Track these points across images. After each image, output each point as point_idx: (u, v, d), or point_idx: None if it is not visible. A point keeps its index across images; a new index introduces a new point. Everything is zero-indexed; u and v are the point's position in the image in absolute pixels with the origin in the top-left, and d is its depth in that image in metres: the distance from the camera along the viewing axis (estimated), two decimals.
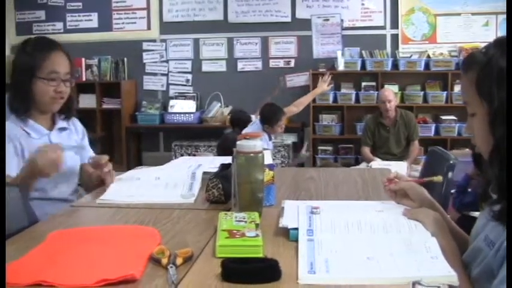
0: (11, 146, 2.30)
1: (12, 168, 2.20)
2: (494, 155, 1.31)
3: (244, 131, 4.66)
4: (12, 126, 2.34)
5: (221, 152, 4.41)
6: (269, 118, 5.13)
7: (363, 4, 6.93)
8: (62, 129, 2.55)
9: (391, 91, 6.05)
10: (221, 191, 2.03)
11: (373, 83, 6.77)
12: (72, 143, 2.55)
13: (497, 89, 1.27)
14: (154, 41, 7.39)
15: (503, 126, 1.26)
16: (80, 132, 2.66)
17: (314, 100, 6.77)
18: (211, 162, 2.56)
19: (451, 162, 2.77)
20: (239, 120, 5.47)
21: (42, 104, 2.40)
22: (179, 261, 1.39)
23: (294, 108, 5.65)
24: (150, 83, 7.46)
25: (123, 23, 7.39)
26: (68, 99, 2.48)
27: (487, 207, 1.40)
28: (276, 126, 5.15)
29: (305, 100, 5.80)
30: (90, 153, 2.63)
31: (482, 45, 1.42)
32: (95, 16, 7.41)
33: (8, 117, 2.34)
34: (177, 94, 7.37)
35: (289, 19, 7.10)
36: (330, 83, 6.08)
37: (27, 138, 2.36)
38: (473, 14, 6.69)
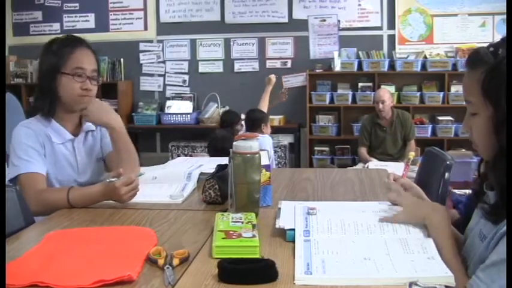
0: (38, 143, 2.24)
1: (39, 166, 2.20)
2: (499, 159, 1.30)
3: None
4: (37, 124, 2.29)
5: (212, 151, 4.41)
6: (261, 118, 5.27)
7: (359, 5, 6.93)
8: (89, 132, 2.45)
9: (386, 91, 6.04)
10: (217, 192, 2.04)
11: (370, 84, 6.77)
12: (97, 147, 2.47)
13: (505, 93, 1.26)
14: (151, 41, 7.38)
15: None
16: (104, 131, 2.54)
17: (311, 101, 6.78)
18: (208, 163, 2.56)
19: (448, 162, 2.77)
20: (228, 120, 5.55)
21: (68, 102, 2.30)
22: (176, 262, 1.39)
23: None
24: (147, 84, 7.45)
25: (120, 24, 7.38)
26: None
27: (480, 206, 1.40)
28: (268, 124, 5.33)
29: (264, 103, 5.84)
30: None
31: (479, 45, 1.40)
32: (91, 17, 7.40)
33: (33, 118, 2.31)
34: (173, 95, 7.36)
35: (286, 20, 7.09)
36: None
37: (48, 141, 2.29)
38: (470, 14, 6.70)
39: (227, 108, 6.99)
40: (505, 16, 6.52)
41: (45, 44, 2.37)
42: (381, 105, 5.87)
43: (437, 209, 1.54)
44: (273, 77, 5.99)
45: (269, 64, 7.17)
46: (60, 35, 2.40)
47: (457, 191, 4.35)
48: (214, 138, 4.61)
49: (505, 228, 1.21)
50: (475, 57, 1.35)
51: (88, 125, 2.43)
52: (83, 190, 2.11)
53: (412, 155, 2.00)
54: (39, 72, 2.37)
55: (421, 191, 1.78)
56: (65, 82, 2.26)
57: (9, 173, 2.20)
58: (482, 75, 1.30)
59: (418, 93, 6.64)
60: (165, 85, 7.42)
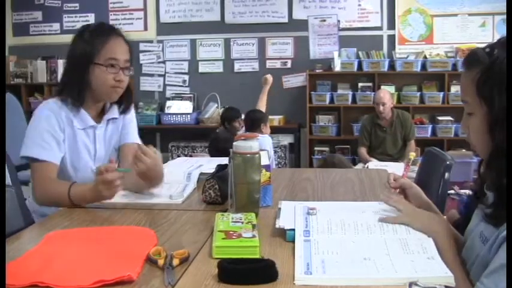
0: (57, 128, 2.21)
1: (53, 154, 2.18)
2: (493, 159, 1.30)
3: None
4: (61, 107, 2.24)
5: (213, 151, 4.42)
6: (260, 118, 5.31)
7: (359, 5, 6.93)
8: (112, 120, 2.41)
9: (386, 92, 6.04)
10: (217, 192, 2.03)
11: (370, 84, 6.77)
12: (117, 135, 2.43)
13: (499, 92, 1.26)
14: (151, 41, 7.38)
15: (503, 130, 1.26)
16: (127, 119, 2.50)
17: (311, 101, 6.78)
18: (208, 163, 2.56)
19: (448, 162, 2.76)
20: (229, 117, 5.58)
21: (99, 93, 2.26)
22: (176, 262, 1.39)
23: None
24: (147, 84, 7.45)
25: (120, 24, 7.35)
26: (126, 90, 2.35)
27: (480, 207, 1.40)
28: (268, 124, 5.36)
29: (262, 103, 5.87)
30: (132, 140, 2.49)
31: (479, 46, 1.41)
32: (91, 17, 7.39)
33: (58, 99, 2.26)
34: (173, 95, 7.36)
35: (286, 20, 7.09)
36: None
37: (70, 126, 2.25)
38: (470, 14, 6.70)
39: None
40: (505, 16, 6.52)
41: (77, 31, 2.31)
42: (381, 107, 5.87)
43: (436, 220, 1.55)
44: (269, 76, 6.00)
45: (269, 64, 7.17)
46: (92, 22, 2.36)
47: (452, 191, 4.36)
48: (216, 139, 4.63)
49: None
50: (472, 57, 1.36)
51: (111, 113, 2.39)
52: (82, 186, 2.08)
53: (412, 155, 2.00)
54: (69, 58, 2.31)
55: (421, 191, 1.78)
56: (97, 73, 2.21)
57: (22, 150, 2.18)
58: (477, 75, 1.31)
59: (418, 93, 6.64)
60: (165, 85, 7.42)
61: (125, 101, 2.43)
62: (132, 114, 2.54)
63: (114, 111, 2.41)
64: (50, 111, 2.21)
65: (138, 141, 2.49)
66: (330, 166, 4.59)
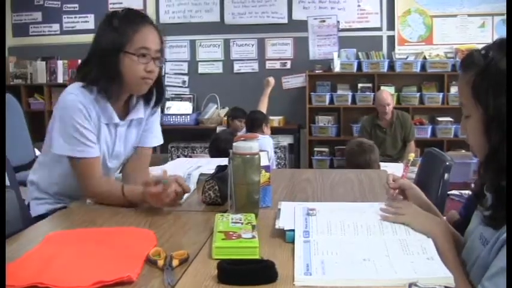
0: (90, 122, 2.09)
1: (97, 149, 2.11)
2: (490, 160, 1.31)
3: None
4: (89, 97, 2.09)
5: (214, 152, 4.42)
6: (262, 118, 5.37)
7: (359, 5, 6.94)
8: (136, 120, 2.29)
9: (388, 93, 6.06)
10: (217, 193, 2.03)
11: (370, 85, 6.77)
12: (137, 136, 2.34)
13: (493, 94, 1.27)
14: None
15: (499, 132, 1.27)
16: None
17: (310, 101, 6.78)
18: (208, 164, 2.56)
19: (448, 163, 2.77)
20: (232, 115, 5.64)
21: (129, 85, 2.14)
22: (175, 263, 1.39)
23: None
24: None
25: None
26: (157, 81, 2.25)
27: (479, 210, 1.40)
28: (269, 125, 5.45)
29: (263, 105, 5.95)
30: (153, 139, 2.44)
31: (479, 46, 1.41)
32: (91, 18, 7.39)
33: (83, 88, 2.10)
34: (173, 96, 7.36)
35: (285, 20, 7.10)
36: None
37: (97, 120, 2.13)
38: (469, 15, 6.70)
39: (227, 109, 7.00)
40: (504, 17, 6.52)
41: (104, 18, 2.17)
42: (387, 108, 5.89)
43: (436, 221, 1.55)
44: (271, 79, 6.04)
45: (269, 65, 7.17)
46: (120, 9, 2.19)
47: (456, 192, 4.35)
48: (216, 139, 4.63)
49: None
50: (468, 60, 1.37)
51: (136, 113, 2.27)
52: (133, 188, 2.04)
53: (411, 156, 2.00)
54: (96, 46, 2.15)
55: (421, 191, 1.78)
56: (127, 63, 2.09)
57: (54, 147, 2.09)
58: (472, 77, 1.32)
59: (418, 94, 6.64)
60: (164, 86, 7.40)
61: (157, 92, 2.34)
62: (157, 116, 2.46)
63: (139, 111, 2.29)
64: (82, 106, 2.06)
65: (160, 141, 2.51)
66: (358, 154, 4.41)
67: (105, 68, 2.09)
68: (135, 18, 2.13)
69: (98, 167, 2.13)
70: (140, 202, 1.99)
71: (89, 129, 2.08)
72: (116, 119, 2.19)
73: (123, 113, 2.24)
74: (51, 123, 2.15)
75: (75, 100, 2.07)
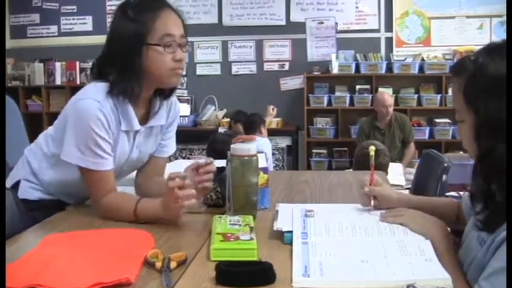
0: (109, 132, 1.90)
1: (111, 162, 1.93)
2: (478, 165, 1.32)
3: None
4: (109, 102, 1.89)
5: (211, 154, 4.42)
6: (259, 120, 5.47)
7: (357, 7, 6.95)
8: (155, 127, 2.10)
9: (388, 95, 6.07)
10: (219, 195, 2.02)
11: (368, 86, 6.78)
12: (155, 143, 2.17)
13: (484, 99, 1.28)
14: None
15: (488, 137, 1.28)
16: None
17: (308, 103, 6.79)
18: None
19: (445, 165, 2.77)
20: (233, 118, 5.70)
21: (158, 79, 1.93)
22: (173, 264, 1.39)
23: None
24: None
25: None
26: None
27: (471, 214, 1.41)
28: (265, 126, 5.59)
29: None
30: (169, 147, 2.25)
31: (477, 48, 1.42)
32: (89, 19, 7.38)
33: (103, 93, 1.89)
34: None
35: (283, 22, 7.10)
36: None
37: (116, 128, 1.94)
38: (467, 17, 6.71)
39: (225, 110, 7.00)
40: (502, 18, 6.53)
41: (116, 9, 2.00)
42: (389, 109, 5.90)
43: (434, 222, 1.55)
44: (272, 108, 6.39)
45: (267, 67, 7.17)
46: None
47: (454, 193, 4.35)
48: (214, 141, 4.64)
49: (504, 233, 1.21)
50: (459, 66, 1.39)
51: (157, 119, 2.08)
52: (149, 201, 1.87)
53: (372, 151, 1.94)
54: (112, 43, 1.95)
55: (393, 194, 1.78)
56: (152, 55, 1.88)
57: (65, 153, 1.91)
58: (463, 83, 1.34)
59: (416, 96, 6.65)
60: None
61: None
62: (175, 125, 2.26)
63: (161, 118, 2.10)
64: (102, 115, 1.86)
65: (174, 149, 2.29)
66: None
67: (126, 66, 1.88)
68: (151, 3, 1.92)
69: (110, 179, 1.95)
70: (154, 219, 1.83)
71: (106, 140, 1.89)
72: (137, 126, 1.99)
73: (144, 118, 2.05)
74: (62, 121, 1.97)
75: (94, 108, 1.85)
